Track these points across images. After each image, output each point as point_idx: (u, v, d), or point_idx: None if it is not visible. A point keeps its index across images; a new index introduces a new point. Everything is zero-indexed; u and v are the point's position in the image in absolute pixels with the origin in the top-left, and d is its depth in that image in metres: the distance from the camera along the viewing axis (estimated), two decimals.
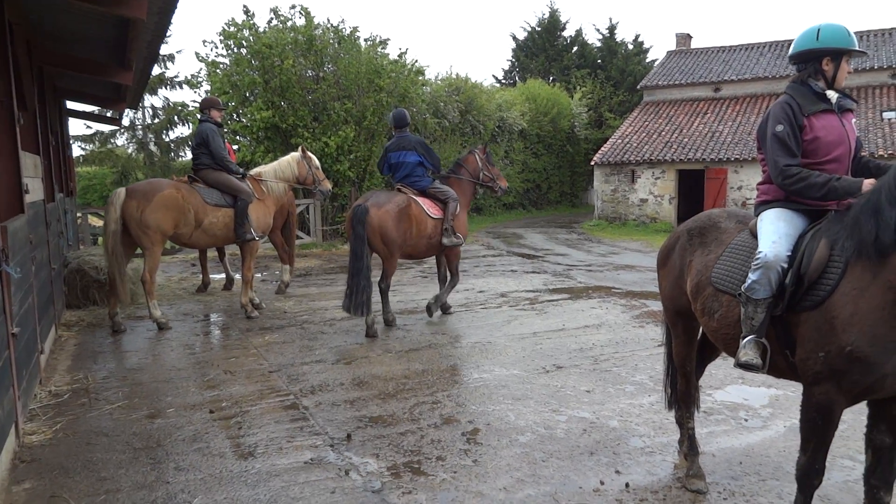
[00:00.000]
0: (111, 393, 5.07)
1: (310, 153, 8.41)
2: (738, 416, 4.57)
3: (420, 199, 7.22)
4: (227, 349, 6.40)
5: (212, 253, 10.33)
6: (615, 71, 34.36)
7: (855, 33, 16.22)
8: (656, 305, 8.38)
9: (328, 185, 8.59)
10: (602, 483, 3.57)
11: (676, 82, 24.25)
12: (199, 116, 7.64)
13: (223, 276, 10.00)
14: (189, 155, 24.78)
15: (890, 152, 17.31)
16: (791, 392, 5.04)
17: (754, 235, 3.22)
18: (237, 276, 10.69)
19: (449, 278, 7.76)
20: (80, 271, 8.35)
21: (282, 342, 6.60)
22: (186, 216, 7.00)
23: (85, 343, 6.65)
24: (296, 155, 8.32)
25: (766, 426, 4.39)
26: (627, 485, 3.54)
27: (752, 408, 4.73)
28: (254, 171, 8.01)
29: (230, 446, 4.05)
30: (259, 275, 11.31)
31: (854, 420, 4.41)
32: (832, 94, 3.18)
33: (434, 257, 7.89)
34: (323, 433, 4.25)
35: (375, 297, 6.93)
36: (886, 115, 19.15)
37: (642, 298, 8.87)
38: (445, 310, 7.90)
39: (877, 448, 2.92)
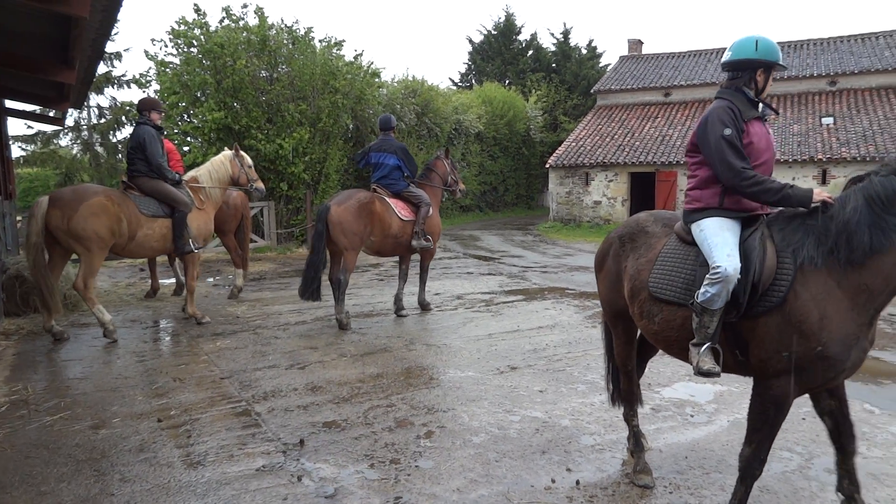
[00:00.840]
0: (52, 404, 4.88)
1: (242, 152, 8.09)
2: (685, 412, 4.71)
3: (392, 201, 7.57)
4: (177, 356, 6.24)
5: (162, 257, 10.06)
6: (569, 75, 34.97)
7: (795, 42, 17.14)
8: None
9: (262, 185, 8.19)
10: (553, 481, 3.63)
11: (628, 87, 24.81)
12: (137, 119, 7.19)
13: (173, 280, 9.75)
14: None
15: (829, 156, 18.10)
16: (735, 388, 5.22)
17: (682, 240, 3.34)
18: None
19: (420, 274, 8.27)
20: (19, 277, 8.01)
21: (234, 348, 6.48)
22: (120, 226, 6.55)
23: (24, 352, 6.39)
24: (228, 153, 7.96)
25: (710, 421, 4.54)
26: (578, 482, 3.61)
27: (697, 404, 4.88)
28: (188, 176, 7.59)
29: (179, 455, 3.95)
30: (211, 279, 11.09)
31: (792, 414, 4.61)
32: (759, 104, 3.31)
33: (400, 256, 8.14)
34: (275, 439, 4.20)
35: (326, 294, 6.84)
36: (825, 120, 20.01)
37: (595, 299, 9.04)
38: (426, 306, 8.27)
39: (830, 412, 3.15)
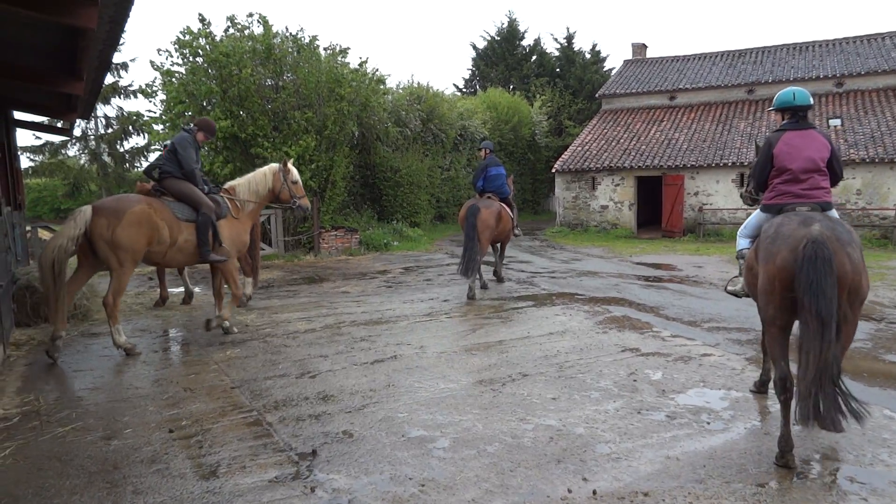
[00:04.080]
0: (64, 415, 4.87)
1: (291, 167, 7.90)
2: (701, 419, 4.65)
3: (503, 204, 10.28)
4: (188, 365, 6.23)
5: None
6: (573, 80, 34.97)
7: (801, 44, 17.38)
8: (619, 311, 8.51)
9: (307, 203, 8.06)
10: (570, 491, 3.58)
11: (633, 91, 24.78)
12: (183, 127, 7.16)
13: (182, 289, 9.76)
14: (144, 166, 24.23)
15: None
16: (749, 394, 5.16)
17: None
18: (196, 290, 10.45)
19: (500, 253, 11.20)
20: (29, 288, 8.03)
21: (244, 357, 6.46)
22: (160, 233, 6.54)
23: (36, 363, 6.39)
24: (274, 167, 7.84)
25: (727, 428, 4.47)
26: (595, 492, 3.56)
27: (713, 410, 4.82)
28: (227, 185, 7.58)
29: (191, 466, 3.93)
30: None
31: None
32: None
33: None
34: (288, 450, 4.17)
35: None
36: (832, 122, 19.91)
37: (605, 304, 8.99)
38: (502, 278, 11.01)
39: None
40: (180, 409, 4.96)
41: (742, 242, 4.90)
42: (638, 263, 13.78)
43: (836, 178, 4.49)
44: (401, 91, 22.35)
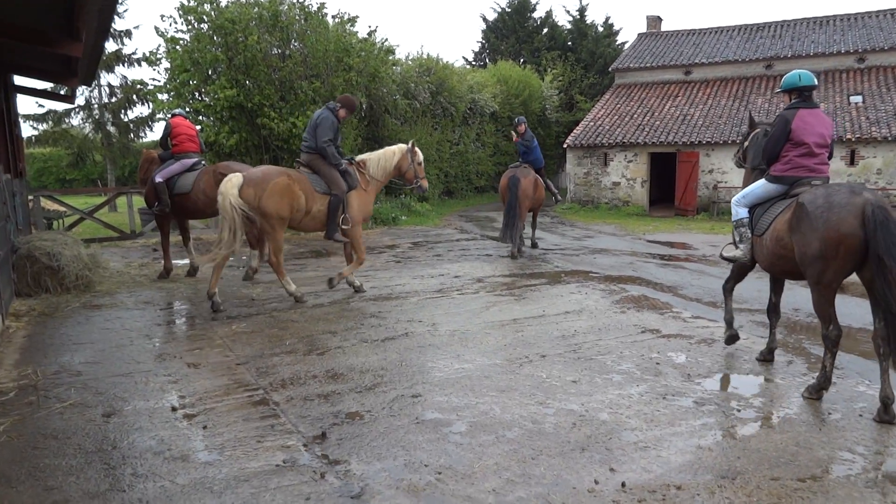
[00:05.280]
0: (62, 390, 4.66)
1: (417, 149, 8.18)
2: (730, 406, 4.40)
3: (536, 175, 11.18)
4: (191, 340, 6.01)
5: (175, 237, 9.85)
6: (585, 53, 34.22)
7: (821, 18, 17.27)
8: (636, 290, 8.24)
9: (427, 184, 8.39)
10: (596, 482, 3.35)
11: (647, 65, 24.18)
12: (328, 104, 7.60)
13: (187, 261, 9.54)
14: (150, 136, 23.90)
15: (857, 136, 17.52)
16: (780, 380, 4.91)
17: None
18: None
19: (533, 221, 12.28)
20: (30, 257, 7.82)
21: (249, 332, 6.24)
22: (299, 202, 7.11)
23: (35, 335, 6.19)
24: (403, 146, 8.11)
25: (759, 417, 4.23)
26: (623, 484, 3.33)
27: (743, 397, 4.57)
28: (359, 158, 7.95)
29: (194, 448, 3.71)
30: None
31: (847, 410, 4.30)
32: None
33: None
34: (295, 431, 3.95)
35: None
36: (853, 99, 19.37)
37: (621, 283, 8.72)
38: (536, 244, 12.10)
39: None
40: (183, 386, 4.75)
41: (741, 212, 5.11)
42: (652, 241, 13.47)
43: (830, 156, 4.87)
44: (410, 62, 21.84)
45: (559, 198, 12.73)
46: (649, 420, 4.14)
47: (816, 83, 4.81)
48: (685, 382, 4.83)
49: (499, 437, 3.89)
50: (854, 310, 6.87)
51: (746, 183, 5.42)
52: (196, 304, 7.50)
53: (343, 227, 7.48)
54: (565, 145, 22.10)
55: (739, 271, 5.48)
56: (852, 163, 17.70)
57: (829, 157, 4.84)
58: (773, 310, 5.32)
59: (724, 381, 4.92)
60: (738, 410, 4.33)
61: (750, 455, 3.66)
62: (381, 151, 8.09)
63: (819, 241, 4.15)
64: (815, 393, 4.47)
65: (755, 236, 4.96)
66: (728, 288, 5.64)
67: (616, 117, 22.28)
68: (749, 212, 5.07)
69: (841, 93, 19.84)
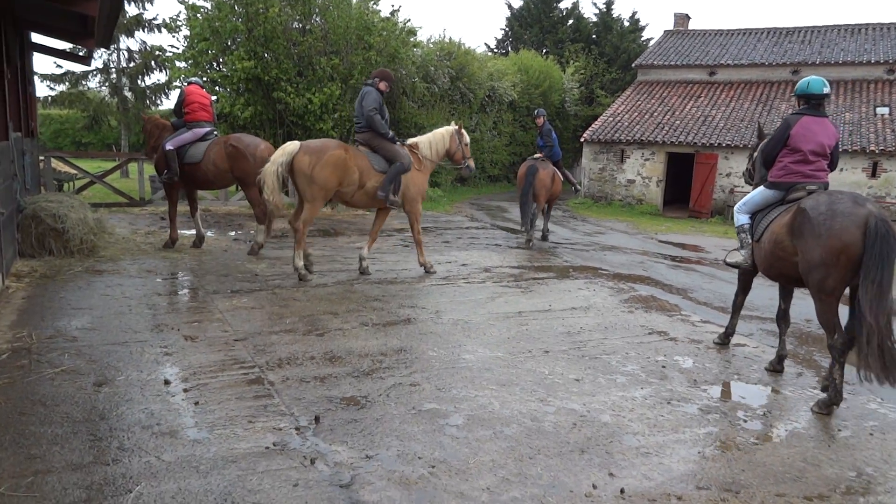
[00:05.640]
0: (56, 355, 4.59)
1: (464, 131, 8.41)
2: (737, 416, 4.27)
3: (555, 168, 11.32)
4: (191, 312, 5.93)
5: (183, 207, 9.73)
6: (609, 48, 33.73)
7: (852, 26, 16.91)
8: (645, 290, 8.08)
9: (473, 164, 8.63)
10: (595, 487, 3.23)
11: (672, 63, 23.78)
12: (366, 81, 7.76)
13: (193, 232, 9.45)
14: (166, 103, 23.81)
15: (882, 148, 17.16)
16: (789, 392, 4.77)
17: None
18: (208, 234, 10.15)
19: (547, 211, 12.06)
20: (35, 218, 7.76)
21: (250, 307, 6.15)
22: (351, 176, 7.21)
23: (35, 297, 6.13)
24: (451, 129, 8.31)
25: (766, 430, 4.09)
26: (623, 491, 3.21)
27: (750, 407, 4.43)
28: (410, 141, 8.08)
29: (183, 424, 3.62)
30: (232, 233, 10.78)
31: (857, 427, 4.16)
32: None
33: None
34: (288, 414, 3.85)
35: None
36: (879, 110, 18.96)
37: (630, 282, 8.56)
38: (546, 237, 12.00)
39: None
40: (178, 359, 4.66)
41: (742, 218, 5.21)
42: (664, 242, 13.27)
43: (833, 165, 4.90)
44: (431, 45, 21.56)
45: (579, 187, 13.56)
46: (652, 425, 4.01)
47: (827, 92, 4.78)
48: (691, 388, 4.70)
49: (496, 432, 3.77)
50: None
51: None
52: (199, 275, 7.41)
53: (395, 199, 7.61)
54: (582, 139, 21.82)
55: (745, 280, 5.55)
56: (874, 175, 17.35)
57: (833, 167, 4.90)
58: (783, 317, 5.29)
59: (731, 390, 4.78)
60: (745, 421, 4.19)
61: (755, 468, 3.53)
62: (430, 134, 8.26)
63: (821, 249, 4.19)
64: (826, 408, 4.34)
65: (755, 242, 5.03)
66: (738, 303, 5.71)
67: (636, 114, 21.95)
68: (750, 218, 5.15)
69: (868, 103, 19.43)
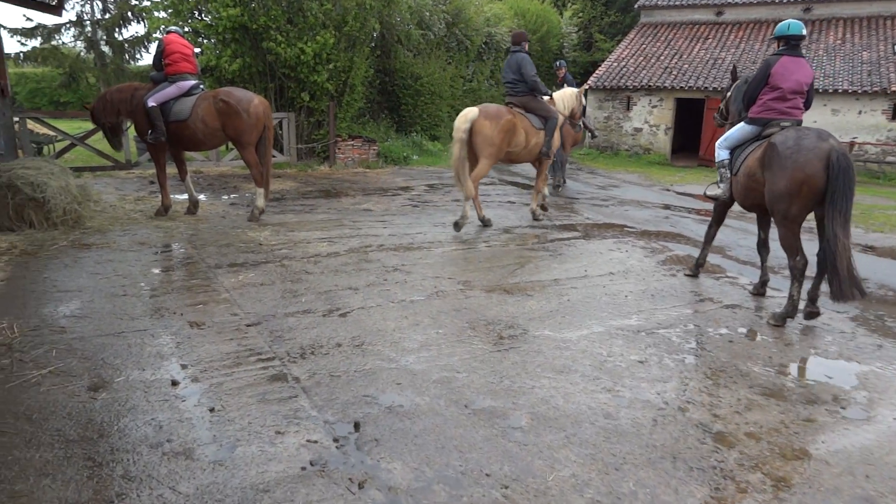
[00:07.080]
0: (42, 351, 3.95)
1: (583, 96, 9.42)
2: (833, 402, 3.72)
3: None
4: (193, 292, 5.27)
5: (172, 169, 8.95)
6: None
7: None
8: (680, 249, 7.50)
9: (585, 125, 10.02)
10: None
11: (676, 3, 22.64)
12: (511, 48, 8.22)
13: (186, 197, 8.70)
14: (146, 57, 22.50)
15: None
16: (877, 367, 4.23)
17: None
18: (201, 198, 9.42)
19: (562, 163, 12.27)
20: (11, 187, 7.00)
21: (259, 284, 5.50)
22: (518, 138, 7.92)
23: (15, 278, 5.44)
24: (576, 91, 9.20)
25: (871, 417, 3.55)
26: None
27: (842, 390, 3.89)
28: (546, 98, 8.55)
29: (199, 440, 3.03)
30: (226, 197, 10.04)
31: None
32: None
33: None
34: (322, 420, 3.26)
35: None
36: None
37: (662, 240, 7.96)
38: (559, 187, 12.30)
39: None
40: (185, 352, 4.04)
41: (722, 154, 5.54)
42: (682, 194, 12.64)
43: (808, 104, 5.19)
44: None
45: (596, 134, 13.78)
46: (751, 424, 3.45)
47: (804, 34, 5.09)
48: (771, 370, 4.14)
49: (568, 435, 3.21)
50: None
51: None
52: (198, 247, 6.73)
53: (546, 152, 8.32)
54: (586, 87, 20.82)
55: (720, 211, 5.94)
56: (894, 117, 16.65)
57: (808, 106, 5.20)
58: (763, 245, 5.79)
59: (815, 369, 4.23)
60: (843, 408, 3.65)
61: (879, 471, 2.99)
62: (561, 92, 9.07)
63: (786, 180, 4.61)
64: (781, 321, 4.88)
65: (733, 176, 5.40)
66: (711, 234, 6.10)
67: (641, 58, 20.97)
68: (730, 154, 5.49)
69: (885, 41, 18.54)
